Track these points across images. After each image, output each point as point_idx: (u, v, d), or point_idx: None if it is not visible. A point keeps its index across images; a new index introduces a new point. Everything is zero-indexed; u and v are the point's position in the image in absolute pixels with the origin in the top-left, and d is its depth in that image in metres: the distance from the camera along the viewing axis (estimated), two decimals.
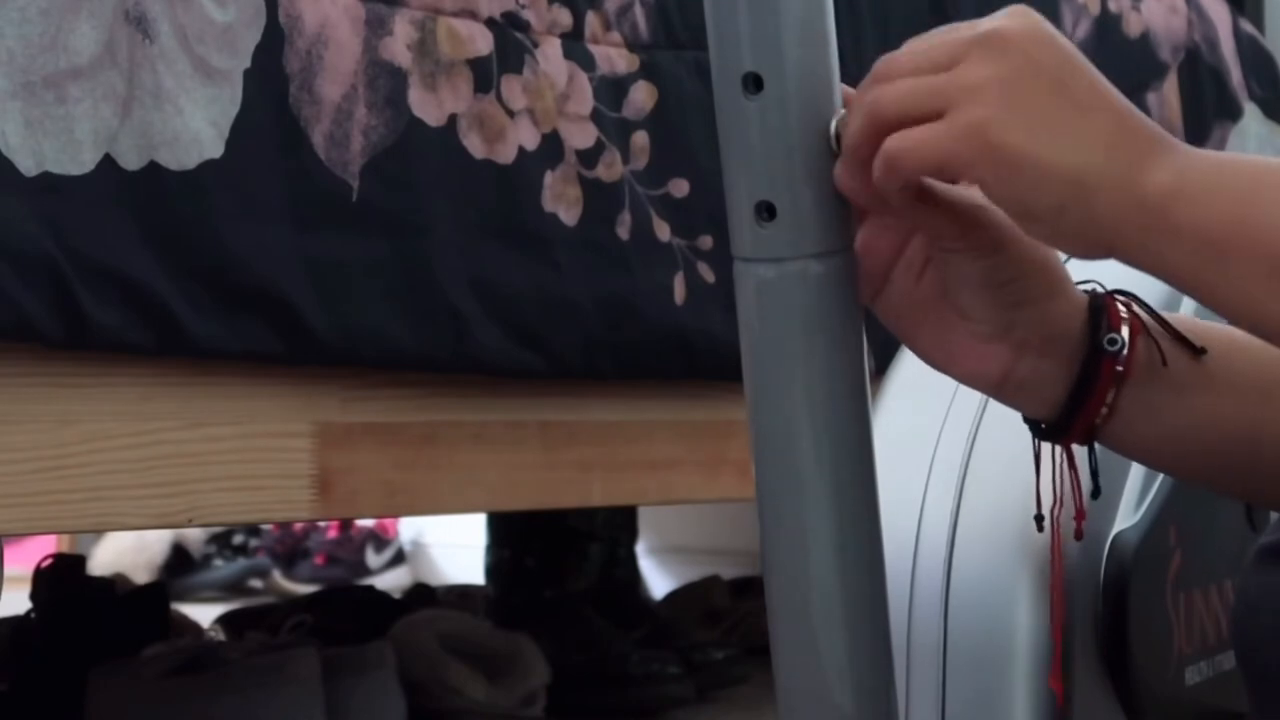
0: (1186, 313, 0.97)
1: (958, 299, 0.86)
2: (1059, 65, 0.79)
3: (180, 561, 3.46)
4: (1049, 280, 0.87)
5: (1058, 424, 0.89)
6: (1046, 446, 0.92)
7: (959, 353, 0.87)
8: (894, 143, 0.79)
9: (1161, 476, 1.02)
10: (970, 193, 0.84)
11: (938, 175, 0.80)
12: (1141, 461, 0.97)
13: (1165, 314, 0.90)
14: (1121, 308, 0.88)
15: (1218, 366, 0.89)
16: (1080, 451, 0.91)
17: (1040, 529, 0.93)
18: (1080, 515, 0.92)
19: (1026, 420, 0.91)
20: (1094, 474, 0.92)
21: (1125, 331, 0.88)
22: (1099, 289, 0.90)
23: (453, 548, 3.46)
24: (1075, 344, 0.87)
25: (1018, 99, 0.78)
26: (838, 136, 0.82)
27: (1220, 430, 0.89)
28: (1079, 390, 0.88)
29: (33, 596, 1.96)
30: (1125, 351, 0.87)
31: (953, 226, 0.83)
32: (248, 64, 1.27)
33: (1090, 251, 0.80)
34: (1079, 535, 0.94)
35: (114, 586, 2.08)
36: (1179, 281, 0.80)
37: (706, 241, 1.57)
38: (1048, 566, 0.94)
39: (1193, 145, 0.84)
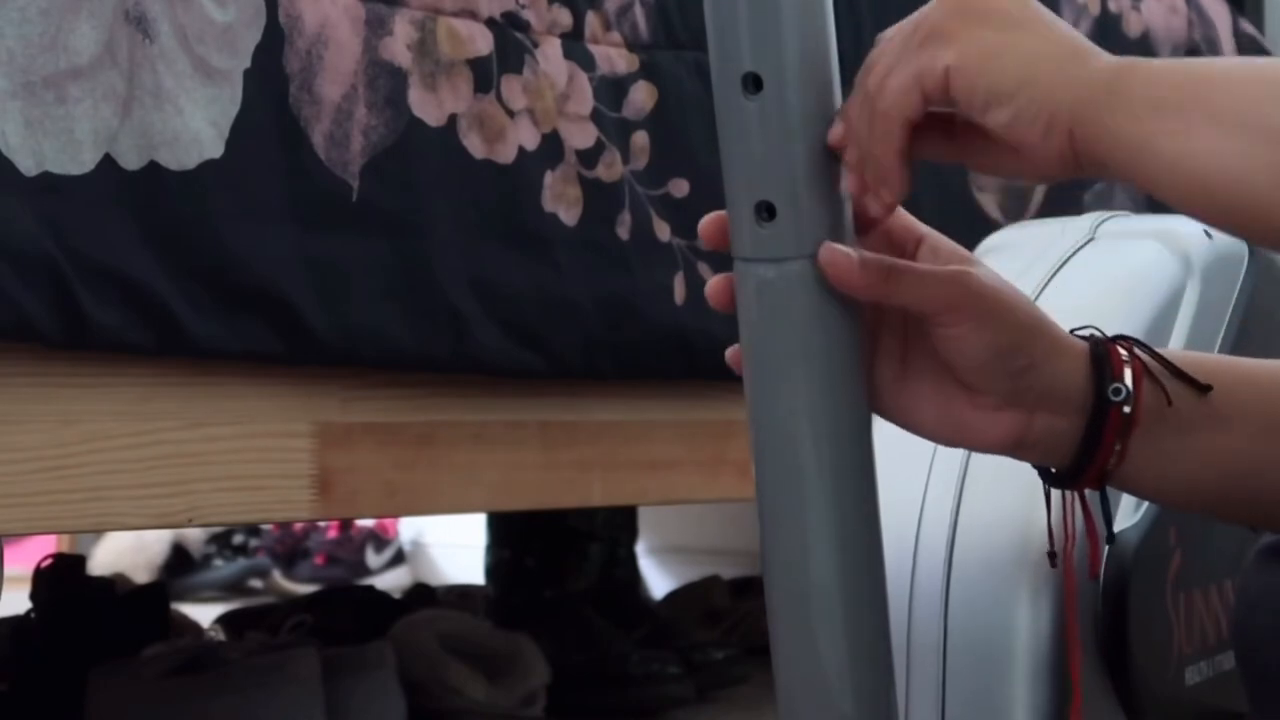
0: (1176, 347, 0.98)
1: (965, 377, 0.87)
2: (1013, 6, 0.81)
3: (180, 561, 3.46)
4: (1048, 340, 0.88)
5: (1069, 473, 0.90)
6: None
7: (970, 426, 0.88)
8: (874, 88, 0.81)
9: None
10: (948, 264, 0.86)
11: (918, 101, 0.81)
12: (1151, 500, 0.98)
13: (1167, 352, 0.90)
14: (1123, 352, 0.89)
15: (1223, 402, 0.90)
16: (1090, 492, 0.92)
17: (1054, 565, 0.93)
18: (1095, 555, 0.93)
19: (1037, 468, 0.92)
20: (1107, 518, 0.92)
21: (1129, 377, 0.88)
22: (1097, 334, 0.90)
23: (453, 548, 3.46)
24: (1082, 396, 0.88)
25: (976, 7, 0.80)
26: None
27: (1228, 466, 0.90)
28: (1088, 441, 0.88)
29: (33, 596, 1.96)
30: (1131, 398, 0.87)
31: (941, 298, 0.84)
32: (248, 64, 1.27)
33: (1045, 134, 0.80)
34: (1094, 574, 0.94)
35: (114, 586, 2.08)
36: (1140, 160, 0.80)
37: None
38: (1047, 566, 0.94)
39: None
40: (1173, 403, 0.88)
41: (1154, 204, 1.21)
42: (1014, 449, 0.89)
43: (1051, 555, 0.93)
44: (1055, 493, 0.93)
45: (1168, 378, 0.89)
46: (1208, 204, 0.79)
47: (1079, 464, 0.89)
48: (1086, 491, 0.92)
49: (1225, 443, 0.90)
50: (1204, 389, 0.89)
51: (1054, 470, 0.91)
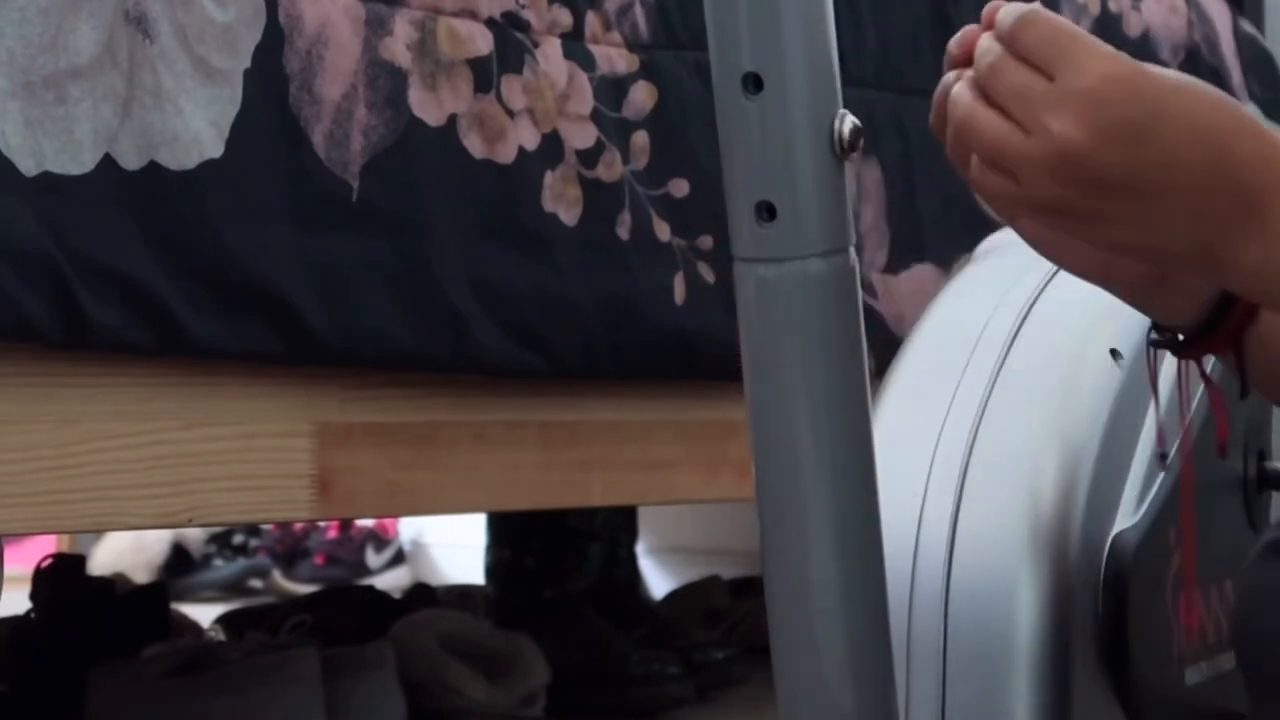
0: None
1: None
2: (1128, 153, 0.77)
3: (180, 561, 3.46)
4: None
5: (1202, 328, 0.88)
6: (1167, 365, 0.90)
7: (1117, 268, 0.87)
8: (977, 176, 0.81)
9: (1162, 476, 1.02)
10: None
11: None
12: (1258, 386, 0.95)
13: None
14: None
15: None
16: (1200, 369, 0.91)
17: (1163, 467, 0.91)
18: (1222, 432, 0.91)
19: (1159, 338, 0.90)
20: (1242, 374, 0.89)
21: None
22: None
23: (453, 548, 3.46)
24: None
25: (1077, 199, 0.77)
26: (838, 136, 0.82)
27: None
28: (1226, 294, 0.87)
29: (33, 596, 1.96)
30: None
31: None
32: (248, 64, 1.27)
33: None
34: (1222, 452, 0.93)
35: (114, 586, 2.08)
36: None
37: (706, 241, 1.57)
38: (1047, 566, 0.94)
39: None
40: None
41: None
42: (1153, 287, 0.87)
43: (1162, 456, 0.92)
44: (1164, 385, 0.91)
45: None
46: None
47: (1213, 319, 0.87)
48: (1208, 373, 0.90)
49: None
50: None
51: (1180, 338, 0.89)
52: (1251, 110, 1.10)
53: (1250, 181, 0.77)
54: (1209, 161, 0.77)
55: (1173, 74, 0.78)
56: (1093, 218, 0.77)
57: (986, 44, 0.80)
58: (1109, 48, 0.78)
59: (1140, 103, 0.77)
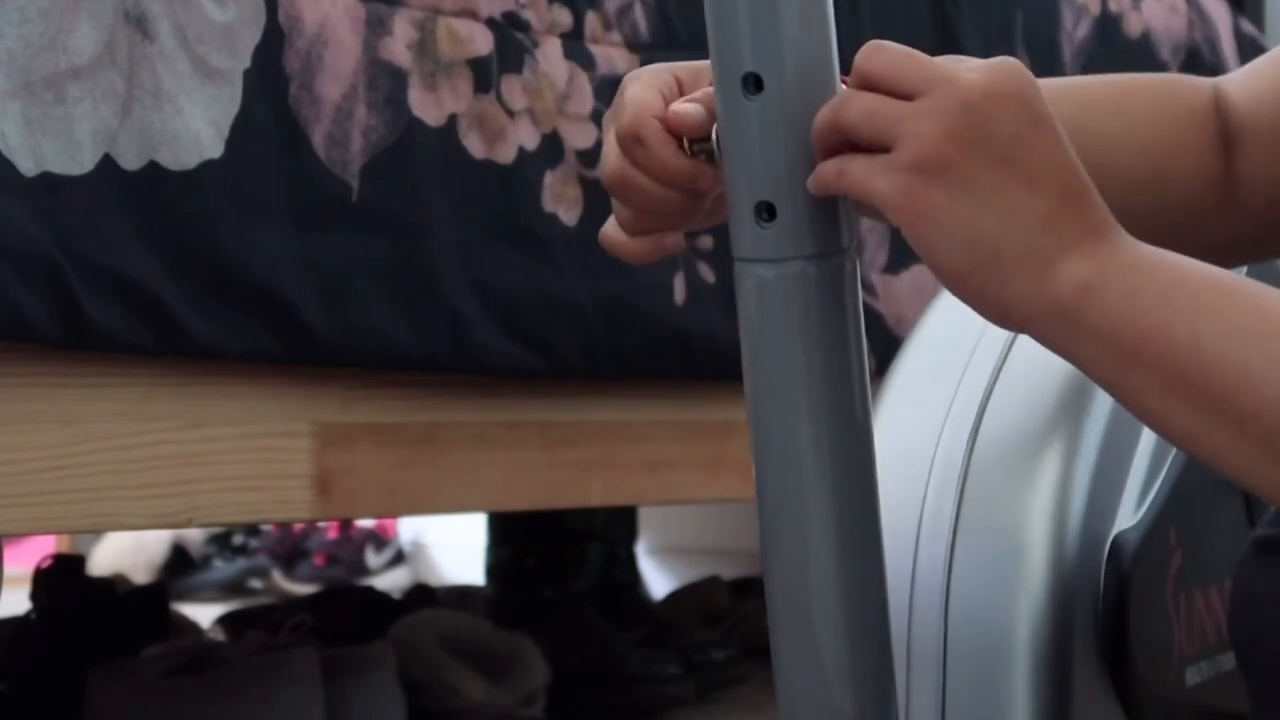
0: None
1: None
2: (1015, 132, 0.77)
3: (180, 562, 3.46)
4: None
5: None
6: None
7: None
8: (829, 167, 0.80)
9: (1162, 476, 1.02)
10: None
11: (863, 207, 0.81)
12: None
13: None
14: None
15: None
16: None
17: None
18: None
19: None
20: None
21: None
22: None
23: (453, 548, 3.46)
24: None
25: (956, 157, 0.77)
26: None
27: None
28: None
29: (33, 596, 1.96)
30: None
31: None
32: (248, 64, 1.27)
33: (998, 323, 0.80)
34: None
35: (114, 586, 2.08)
36: (1085, 372, 0.80)
37: (706, 241, 1.57)
38: (1047, 566, 0.94)
39: None
40: None
41: None
42: None
43: None
44: None
45: None
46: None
47: None
48: None
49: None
50: None
51: None
52: None
53: (1099, 205, 0.78)
54: (1074, 174, 0.78)
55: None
56: (963, 184, 0.77)
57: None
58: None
59: (1034, 87, 0.78)
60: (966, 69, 0.79)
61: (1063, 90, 0.94)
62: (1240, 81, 0.97)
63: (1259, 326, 0.76)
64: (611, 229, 0.89)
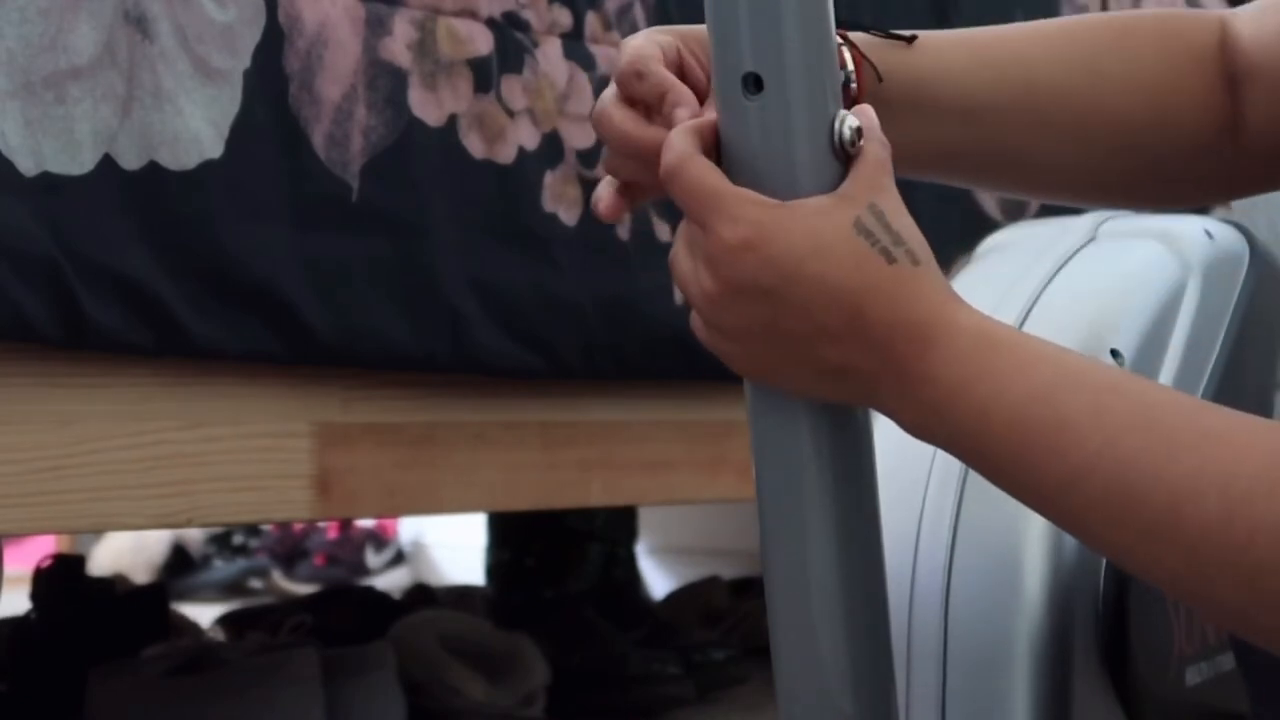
0: None
1: None
2: (770, 287, 0.78)
3: (180, 561, 3.46)
4: None
5: None
6: None
7: None
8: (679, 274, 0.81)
9: None
10: None
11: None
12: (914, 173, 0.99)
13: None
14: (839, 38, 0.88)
15: (940, 89, 0.92)
16: None
17: None
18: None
19: None
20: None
21: (849, 57, 0.88)
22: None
23: (453, 548, 3.46)
24: None
25: (727, 314, 0.79)
26: (838, 136, 0.82)
27: (933, 149, 0.94)
28: None
29: (33, 596, 1.96)
30: (853, 76, 0.87)
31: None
32: (248, 64, 1.27)
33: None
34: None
35: (114, 586, 2.08)
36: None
37: None
38: (1047, 566, 0.94)
39: None
40: (882, 79, 0.89)
41: None
42: None
43: None
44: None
45: (882, 47, 0.90)
46: None
47: None
48: None
49: (925, 126, 0.93)
50: (909, 40, 0.91)
51: None
52: None
53: (881, 339, 0.78)
54: (844, 322, 0.78)
55: (815, 233, 0.78)
56: (743, 338, 0.80)
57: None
58: (753, 199, 0.78)
59: (771, 268, 0.78)
60: (742, 216, 0.78)
61: (1064, 29, 0.94)
62: (1249, 20, 0.96)
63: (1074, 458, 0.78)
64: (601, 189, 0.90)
